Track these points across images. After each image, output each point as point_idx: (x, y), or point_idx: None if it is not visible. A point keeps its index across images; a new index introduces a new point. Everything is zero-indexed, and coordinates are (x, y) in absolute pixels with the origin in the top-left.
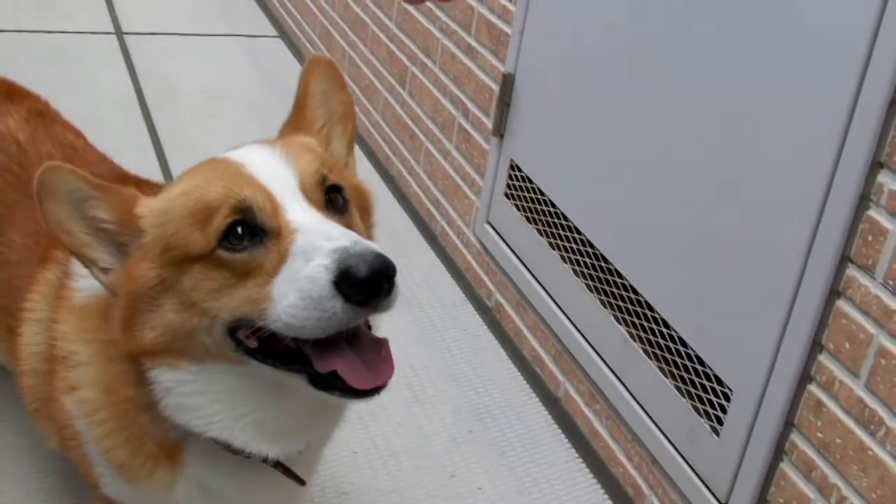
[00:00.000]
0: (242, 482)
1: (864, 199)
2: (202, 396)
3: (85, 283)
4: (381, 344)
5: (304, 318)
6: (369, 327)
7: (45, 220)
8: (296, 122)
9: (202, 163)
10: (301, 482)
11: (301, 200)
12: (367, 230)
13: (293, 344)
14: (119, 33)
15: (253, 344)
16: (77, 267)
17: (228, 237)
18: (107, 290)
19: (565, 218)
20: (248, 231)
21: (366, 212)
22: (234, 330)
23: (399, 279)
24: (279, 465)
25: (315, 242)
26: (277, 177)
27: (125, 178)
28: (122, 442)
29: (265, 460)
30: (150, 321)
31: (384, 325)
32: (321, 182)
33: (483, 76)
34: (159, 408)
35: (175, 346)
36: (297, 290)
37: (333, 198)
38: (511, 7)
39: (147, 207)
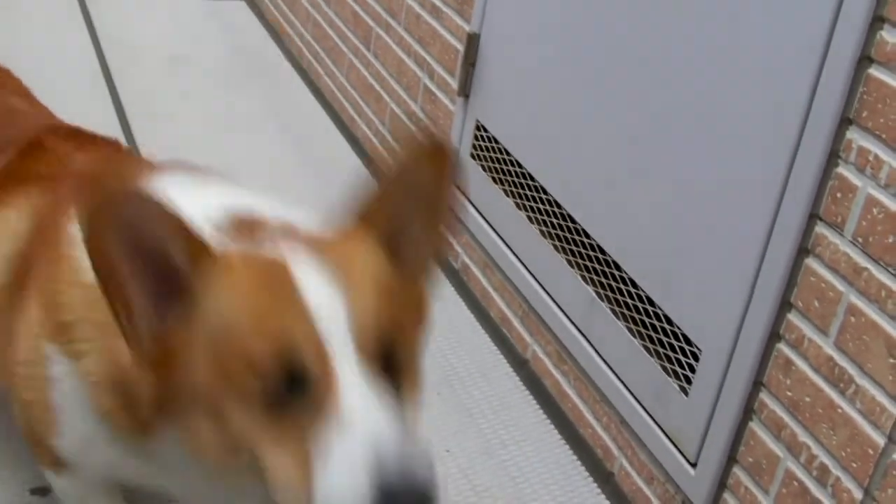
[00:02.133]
0: None
1: (832, 156)
2: None
3: None
4: None
5: None
6: None
7: (90, 249)
8: (371, 214)
9: (258, 260)
10: None
11: (352, 357)
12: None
13: None
14: None
15: None
16: None
17: (270, 388)
18: (132, 345)
19: (532, 178)
20: (289, 383)
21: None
22: None
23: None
24: None
25: (357, 436)
26: (335, 321)
27: (78, 135)
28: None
29: None
30: (178, 414)
31: None
32: (384, 342)
33: (448, 36)
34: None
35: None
36: (329, 486)
37: (393, 353)
38: None
39: (217, 272)
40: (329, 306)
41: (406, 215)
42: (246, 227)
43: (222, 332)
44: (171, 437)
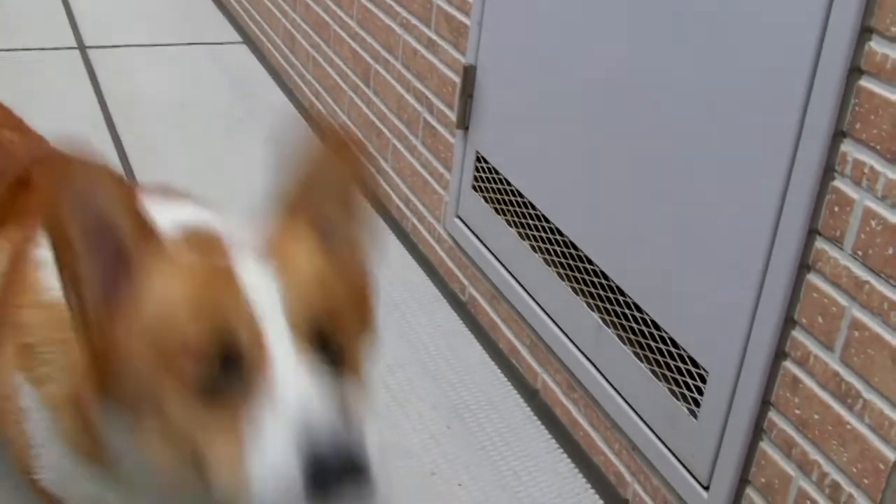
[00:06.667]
0: None
1: (828, 170)
2: None
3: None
4: None
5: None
6: None
7: (47, 218)
8: (295, 205)
9: (201, 254)
10: None
11: (286, 337)
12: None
13: None
14: (82, 48)
15: None
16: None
17: (205, 371)
18: (79, 329)
19: (533, 207)
20: (225, 370)
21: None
22: None
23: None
24: None
25: (288, 409)
26: (270, 305)
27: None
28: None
29: None
30: (123, 411)
31: None
32: (320, 326)
33: (445, 69)
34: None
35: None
36: (261, 464)
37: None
38: None
39: (160, 258)
40: (264, 292)
41: (325, 207)
42: (199, 238)
43: (160, 318)
44: (129, 456)
